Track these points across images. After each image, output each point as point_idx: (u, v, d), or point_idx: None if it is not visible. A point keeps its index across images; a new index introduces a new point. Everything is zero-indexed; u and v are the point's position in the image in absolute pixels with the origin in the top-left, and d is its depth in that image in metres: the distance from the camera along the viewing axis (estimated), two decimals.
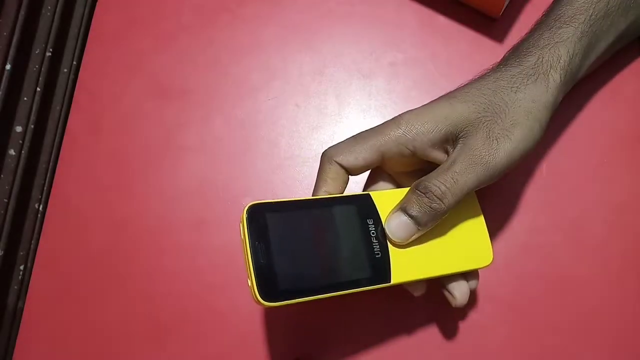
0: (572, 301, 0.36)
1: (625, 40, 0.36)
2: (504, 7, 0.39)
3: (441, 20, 0.42)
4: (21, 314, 0.38)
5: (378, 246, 0.29)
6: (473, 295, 0.37)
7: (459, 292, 0.31)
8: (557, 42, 0.32)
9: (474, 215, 0.32)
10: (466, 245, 0.31)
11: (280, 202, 0.28)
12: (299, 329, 0.37)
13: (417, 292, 0.32)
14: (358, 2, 0.43)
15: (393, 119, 0.31)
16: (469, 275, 0.32)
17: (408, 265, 0.29)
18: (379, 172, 0.33)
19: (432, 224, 0.29)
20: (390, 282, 0.28)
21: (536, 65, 0.31)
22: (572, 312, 0.36)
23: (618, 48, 0.36)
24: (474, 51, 0.41)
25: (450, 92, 0.32)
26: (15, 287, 0.40)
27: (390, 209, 0.29)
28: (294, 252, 0.27)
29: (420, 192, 0.29)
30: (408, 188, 0.30)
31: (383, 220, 0.29)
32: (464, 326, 0.36)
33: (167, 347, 0.37)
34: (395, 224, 0.29)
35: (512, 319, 0.36)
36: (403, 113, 0.31)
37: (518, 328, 0.36)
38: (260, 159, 0.40)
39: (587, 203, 0.38)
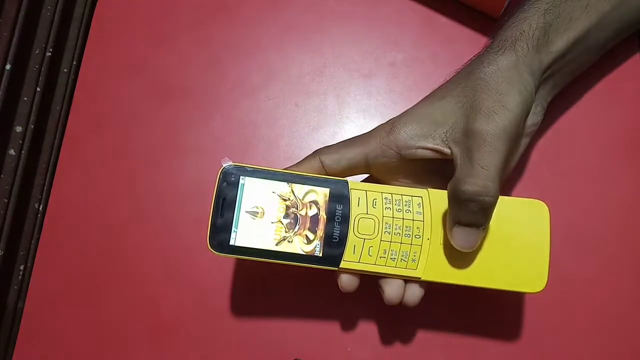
0: (571, 301, 0.36)
1: (619, 23, 0.34)
2: (504, 7, 0.39)
3: (441, 20, 0.42)
4: (21, 314, 0.38)
5: (338, 232, 0.30)
6: (473, 295, 0.37)
7: (388, 286, 0.30)
8: (521, 20, 0.32)
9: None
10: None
11: (257, 168, 0.30)
12: (298, 329, 0.37)
13: (347, 287, 0.31)
14: (358, 2, 0.43)
15: (378, 125, 0.32)
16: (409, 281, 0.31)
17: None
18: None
19: (490, 217, 0.28)
20: (338, 267, 0.30)
21: (501, 42, 0.31)
22: (571, 312, 0.36)
23: (614, 31, 0.35)
24: (474, 51, 0.41)
25: (429, 94, 0.32)
26: (15, 287, 0.40)
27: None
28: (255, 215, 0.29)
29: (462, 200, 0.28)
30: (389, 186, 0.31)
31: (352, 209, 0.30)
32: (463, 326, 0.36)
33: (167, 347, 0.37)
34: (460, 239, 0.29)
35: (511, 319, 0.36)
36: (387, 120, 0.32)
37: (517, 328, 0.36)
38: (260, 159, 0.40)
39: (587, 203, 0.38)
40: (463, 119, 0.29)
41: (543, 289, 0.30)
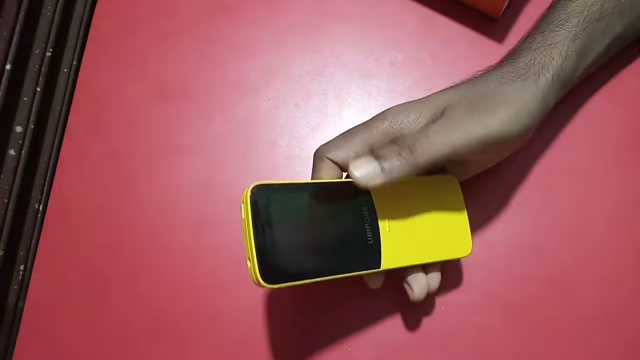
0: (571, 301, 0.36)
1: (623, 42, 0.36)
2: (503, 7, 0.39)
3: (441, 20, 0.42)
4: (21, 314, 0.38)
5: (370, 233, 0.30)
6: (473, 295, 0.37)
7: (417, 285, 0.32)
8: (549, 44, 0.32)
9: (457, 208, 0.33)
10: (448, 236, 0.32)
11: (283, 184, 0.29)
12: (298, 330, 0.37)
13: (374, 285, 0.32)
14: (358, 2, 0.43)
15: (380, 113, 0.32)
16: (428, 269, 0.33)
17: (396, 252, 0.30)
18: None
19: (397, 175, 0.28)
20: (380, 267, 0.29)
21: (527, 66, 0.31)
22: (571, 312, 0.36)
23: (616, 50, 0.36)
24: (474, 51, 0.41)
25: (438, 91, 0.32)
26: (15, 287, 0.40)
27: (385, 198, 0.30)
28: (294, 234, 0.28)
29: (392, 141, 0.29)
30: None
31: (377, 208, 0.30)
32: (464, 326, 0.36)
33: (167, 347, 0.37)
34: (360, 162, 0.28)
35: (512, 319, 0.36)
36: (390, 107, 0.32)
37: (518, 328, 0.36)
38: (260, 159, 0.40)
39: (587, 203, 0.38)
40: (457, 103, 0.30)
41: (470, 254, 0.33)
